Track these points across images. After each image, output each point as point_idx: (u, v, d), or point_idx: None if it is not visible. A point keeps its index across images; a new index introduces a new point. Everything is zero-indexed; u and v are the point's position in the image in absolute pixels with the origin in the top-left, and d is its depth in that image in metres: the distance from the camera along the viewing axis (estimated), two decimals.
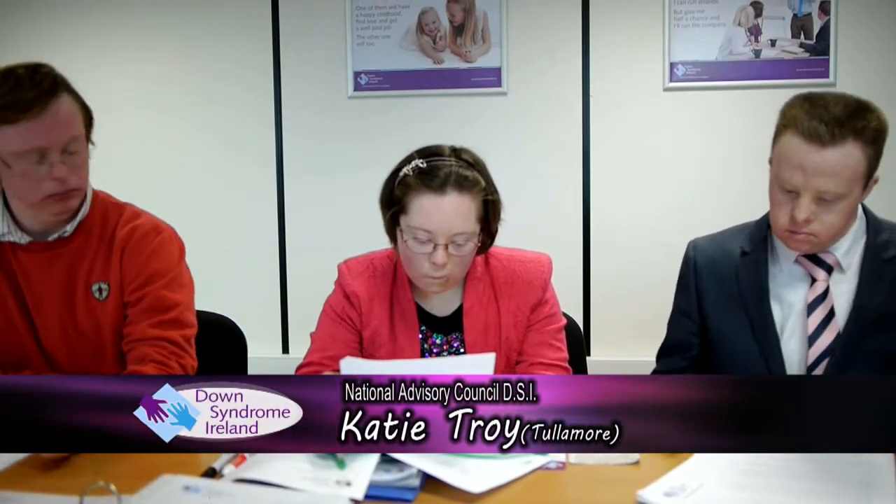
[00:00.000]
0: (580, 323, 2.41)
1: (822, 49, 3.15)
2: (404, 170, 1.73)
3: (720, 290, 1.80)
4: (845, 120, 1.56)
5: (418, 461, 1.38)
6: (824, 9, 3.15)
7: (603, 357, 3.23)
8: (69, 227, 1.78)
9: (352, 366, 1.52)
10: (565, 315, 1.96)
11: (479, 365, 1.51)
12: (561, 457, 1.50)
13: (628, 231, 3.27)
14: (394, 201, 1.74)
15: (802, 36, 3.16)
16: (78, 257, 1.79)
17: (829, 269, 1.71)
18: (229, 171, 3.46)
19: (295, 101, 3.42)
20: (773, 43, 3.18)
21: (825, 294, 1.70)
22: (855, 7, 3.15)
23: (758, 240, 1.78)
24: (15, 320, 1.77)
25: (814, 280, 1.72)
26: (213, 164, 3.43)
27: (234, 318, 2.16)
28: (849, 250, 1.71)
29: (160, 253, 1.82)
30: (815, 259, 1.72)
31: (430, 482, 1.36)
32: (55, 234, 1.78)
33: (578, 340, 2.11)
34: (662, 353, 1.91)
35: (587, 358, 2.18)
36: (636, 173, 3.26)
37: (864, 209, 1.75)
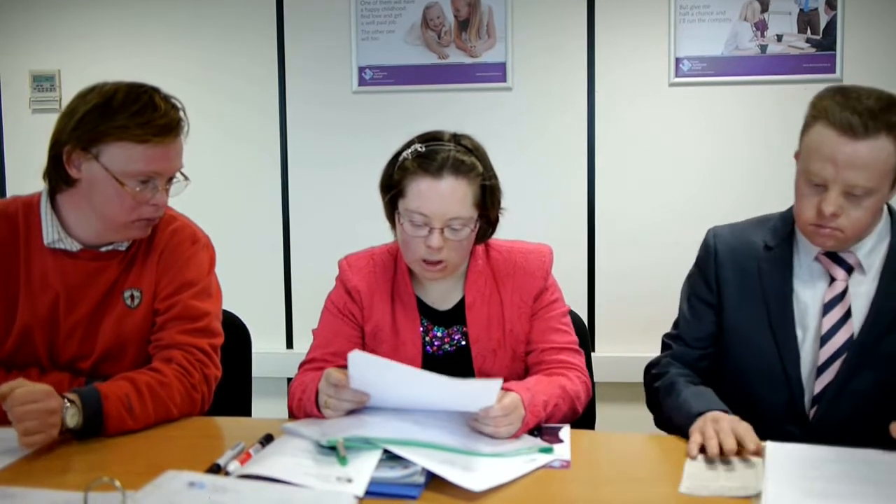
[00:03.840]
0: (585, 319, 2.39)
1: (829, 44, 3.13)
2: (404, 154, 1.74)
3: (741, 281, 1.75)
4: (879, 113, 1.51)
5: (422, 459, 1.38)
6: (830, 4, 3.13)
7: (608, 353, 3.22)
8: (126, 242, 1.80)
9: (359, 360, 1.52)
10: (570, 312, 1.95)
11: (483, 391, 1.50)
12: (566, 455, 1.50)
13: (633, 227, 3.26)
14: (392, 185, 1.74)
15: (809, 31, 3.15)
16: (122, 267, 1.80)
17: (849, 270, 1.67)
18: (234, 166, 3.45)
19: (299, 95, 3.41)
20: (779, 38, 3.16)
21: (843, 294, 1.66)
22: (861, 2, 3.12)
23: (782, 235, 1.74)
24: (42, 323, 1.76)
25: (833, 279, 1.68)
26: (217, 159, 3.42)
27: (238, 313, 2.16)
28: (872, 251, 1.67)
29: (194, 262, 1.83)
30: (836, 258, 1.68)
31: (434, 480, 1.36)
32: (110, 247, 1.79)
33: (584, 336, 2.11)
34: (674, 339, 1.85)
35: (592, 354, 2.17)
36: (641, 169, 3.25)
37: (890, 209, 1.71)
